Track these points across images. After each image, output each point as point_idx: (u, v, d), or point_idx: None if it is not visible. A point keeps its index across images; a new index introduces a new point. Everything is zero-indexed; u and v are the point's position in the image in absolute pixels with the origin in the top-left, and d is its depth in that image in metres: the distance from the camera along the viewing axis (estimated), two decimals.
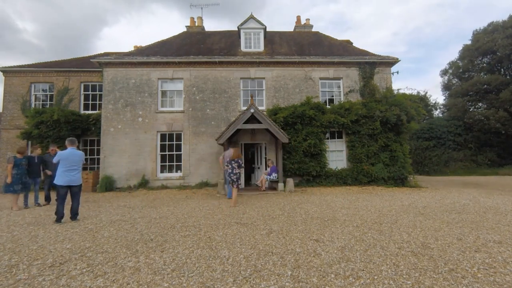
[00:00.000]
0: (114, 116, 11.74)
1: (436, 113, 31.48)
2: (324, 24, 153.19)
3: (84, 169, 12.61)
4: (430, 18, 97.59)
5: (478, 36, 25.63)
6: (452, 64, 28.69)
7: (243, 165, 8.27)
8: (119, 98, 11.83)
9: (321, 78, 12.46)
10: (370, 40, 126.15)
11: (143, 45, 15.52)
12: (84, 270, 2.96)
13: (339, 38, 16.44)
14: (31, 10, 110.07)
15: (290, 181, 9.75)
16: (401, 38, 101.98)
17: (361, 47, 15.97)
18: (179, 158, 11.80)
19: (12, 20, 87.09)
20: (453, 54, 71.54)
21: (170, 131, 11.87)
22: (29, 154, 8.13)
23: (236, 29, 14.01)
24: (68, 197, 5.43)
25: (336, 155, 11.87)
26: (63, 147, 11.79)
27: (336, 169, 11.33)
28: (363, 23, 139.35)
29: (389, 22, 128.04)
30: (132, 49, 16.00)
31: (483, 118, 23.15)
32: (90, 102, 13.55)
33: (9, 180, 6.73)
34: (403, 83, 76.99)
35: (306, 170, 10.80)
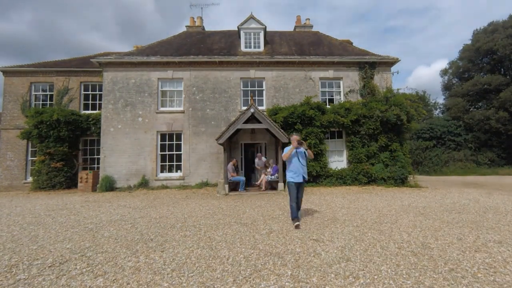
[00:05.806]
0: (114, 116, 11.74)
1: (436, 113, 31.48)
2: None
3: (84, 169, 12.66)
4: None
5: (478, 36, 25.55)
6: (452, 64, 28.59)
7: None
8: (119, 98, 11.84)
9: (321, 78, 12.46)
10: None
11: (143, 44, 15.50)
12: (84, 270, 2.96)
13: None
14: None
15: None
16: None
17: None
18: (179, 158, 11.81)
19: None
20: None
21: (170, 131, 11.87)
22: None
23: (236, 29, 14.01)
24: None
25: (336, 155, 11.88)
26: (63, 147, 11.88)
27: (336, 169, 11.32)
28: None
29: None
30: (132, 49, 15.99)
31: (483, 118, 23.10)
32: (90, 102, 13.54)
33: None
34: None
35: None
